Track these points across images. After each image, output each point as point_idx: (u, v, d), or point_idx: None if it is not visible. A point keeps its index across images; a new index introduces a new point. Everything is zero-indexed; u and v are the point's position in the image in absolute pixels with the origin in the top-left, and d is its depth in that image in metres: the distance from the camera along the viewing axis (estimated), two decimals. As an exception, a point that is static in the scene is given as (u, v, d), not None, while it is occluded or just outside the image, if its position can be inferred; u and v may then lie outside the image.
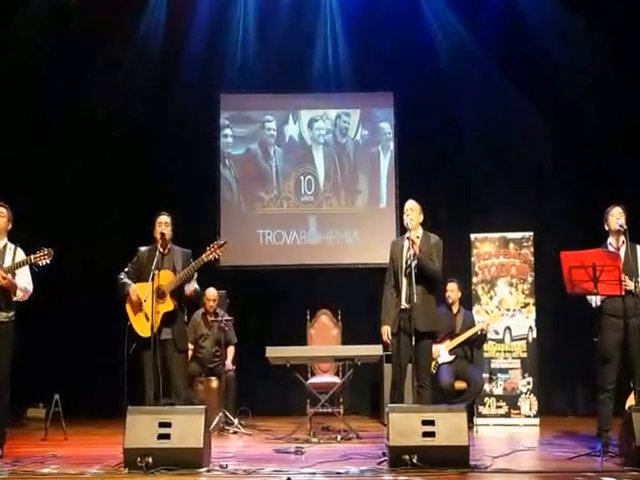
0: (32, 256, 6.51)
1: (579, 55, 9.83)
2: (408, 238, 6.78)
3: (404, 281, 6.78)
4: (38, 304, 7.00)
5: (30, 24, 9.83)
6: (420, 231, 6.94)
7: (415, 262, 6.64)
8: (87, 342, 9.39)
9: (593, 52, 9.78)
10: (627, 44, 9.59)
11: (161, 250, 6.98)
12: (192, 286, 7.01)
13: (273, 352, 7.67)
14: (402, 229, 7.13)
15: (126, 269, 7.13)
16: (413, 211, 6.89)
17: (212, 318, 8.90)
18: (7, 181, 8.47)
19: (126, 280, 7.04)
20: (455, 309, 8.74)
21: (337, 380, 8.60)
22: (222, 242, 7.02)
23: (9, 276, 6.49)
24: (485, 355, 9.06)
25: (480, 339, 8.65)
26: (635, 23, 9.53)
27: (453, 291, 8.73)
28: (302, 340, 9.26)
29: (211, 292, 8.94)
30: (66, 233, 9.26)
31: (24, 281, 6.61)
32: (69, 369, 9.20)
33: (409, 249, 6.74)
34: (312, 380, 8.83)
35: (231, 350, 9.00)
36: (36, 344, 8.87)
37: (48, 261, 6.49)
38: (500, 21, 10.07)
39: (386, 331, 6.87)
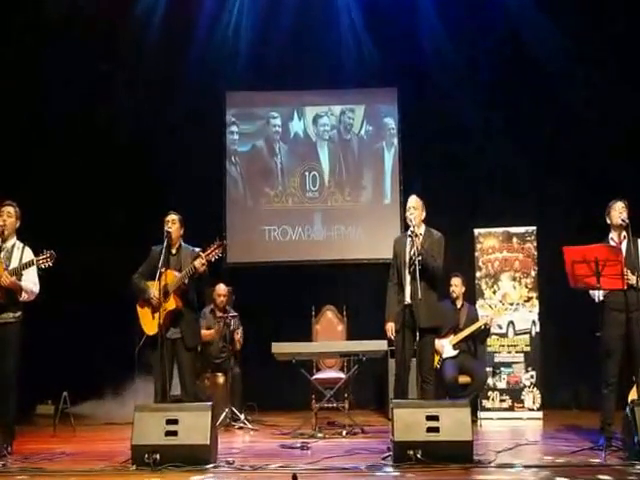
0: (35, 259, 6.57)
1: (580, 60, 9.88)
2: (410, 235, 6.84)
3: (407, 277, 6.82)
4: (49, 303, 7.07)
5: (32, 25, 9.87)
6: (423, 227, 6.99)
7: (419, 258, 6.69)
8: (93, 341, 9.46)
9: (594, 58, 9.82)
10: (628, 52, 9.66)
11: (169, 249, 7.05)
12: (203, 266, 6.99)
13: (279, 348, 7.72)
14: (406, 225, 7.17)
15: (140, 269, 7.18)
16: (416, 208, 6.94)
17: (220, 314, 8.93)
18: (7, 182, 8.50)
19: (144, 283, 7.08)
20: (459, 304, 8.79)
21: (342, 375, 8.65)
22: (220, 243, 7.04)
23: (13, 278, 6.54)
24: (489, 349, 9.11)
25: (483, 334, 8.72)
26: (636, 31, 9.57)
27: (457, 286, 8.79)
28: (307, 336, 9.31)
29: (221, 288, 8.98)
30: (68, 233, 9.29)
31: (30, 282, 6.66)
32: (76, 367, 9.24)
33: (412, 245, 6.80)
34: (317, 375, 8.89)
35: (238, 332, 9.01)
36: (44, 342, 8.90)
37: (51, 264, 6.55)
38: (503, 28, 10.12)
39: (390, 328, 6.93)
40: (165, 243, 7.00)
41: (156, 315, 6.94)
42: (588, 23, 9.83)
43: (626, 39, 9.66)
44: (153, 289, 6.93)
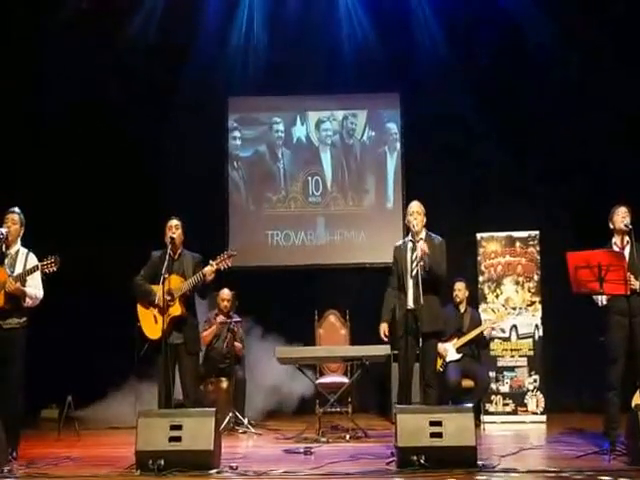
0: (39, 264, 6.58)
1: (578, 48, 9.87)
2: (412, 240, 6.84)
3: (410, 282, 6.83)
4: (53, 307, 7.07)
5: (32, 25, 9.89)
6: (424, 232, 6.99)
7: (422, 263, 6.70)
8: (97, 345, 9.47)
9: (593, 44, 9.80)
10: (627, 36, 9.65)
11: (171, 254, 7.07)
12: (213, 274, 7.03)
13: (282, 353, 7.75)
14: (407, 230, 7.17)
15: (142, 272, 7.20)
16: (419, 214, 6.94)
17: (225, 319, 8.92)
18: (7, 182, 8.52)
19: (149, 286, 7.10)
20: (462, 308, 8.81)
21: (346, 380, 8.68)
22: (232, 253, 7.09)
23: (18, 284, 6.55)
24: (492, 353, 9.13)
25: (484, 341, 8.74)
26: (635, 14, 9.55)
27: (460, 290, 8.81)
28: (311, 340, 9.33)
29: (225, 292, 8.96)
30: (68, 233, 9.31)
31: (35, 287, 6.67)
32: (80, 371, 9.25)
33: (414, 251, 6.81)
34: (321, 380, 8.91)
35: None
36: (49, 347, 8.89)
37: (55, 269, 6.55)
38: (501, 18, 10.06)
39: (384, 328, 7.00)
40: (169, 249, 7.04)
41: (159, 319, 6.96)
42: (586, 8, 9.77)
43: (624, 23, 9.64)
44: (159, 293, 6.95)
